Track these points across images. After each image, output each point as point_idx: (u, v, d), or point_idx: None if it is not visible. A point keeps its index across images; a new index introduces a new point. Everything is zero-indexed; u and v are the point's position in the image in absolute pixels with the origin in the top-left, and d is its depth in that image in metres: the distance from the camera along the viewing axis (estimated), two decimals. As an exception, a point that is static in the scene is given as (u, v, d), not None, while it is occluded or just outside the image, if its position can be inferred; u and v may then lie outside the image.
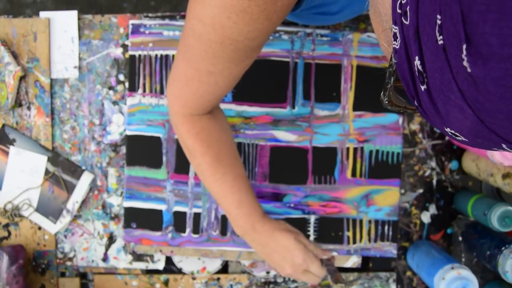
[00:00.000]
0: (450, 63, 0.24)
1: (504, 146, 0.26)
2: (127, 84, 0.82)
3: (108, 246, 0.84)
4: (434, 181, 0.83)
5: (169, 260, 0.85)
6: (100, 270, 0.85)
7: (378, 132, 0.81)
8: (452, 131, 0.28)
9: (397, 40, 0.28)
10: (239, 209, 0.62)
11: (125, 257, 0.84)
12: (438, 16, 0.24)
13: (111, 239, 0.84)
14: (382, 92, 0.33)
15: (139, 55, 0.81)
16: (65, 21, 0.82)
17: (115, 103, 0.83)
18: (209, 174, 0.61)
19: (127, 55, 0.82)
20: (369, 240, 0.82)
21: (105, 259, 0.84)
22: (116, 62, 0.82)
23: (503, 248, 0.70)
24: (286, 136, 0.81)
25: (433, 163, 0.83)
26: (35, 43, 0.81)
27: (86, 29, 0.82)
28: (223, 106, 0.81)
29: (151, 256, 0.84)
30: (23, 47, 0.81)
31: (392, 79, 0.32)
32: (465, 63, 0.23)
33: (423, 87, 0.27)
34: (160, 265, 0.85)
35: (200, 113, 0.60)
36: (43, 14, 0.81)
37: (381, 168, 0.82)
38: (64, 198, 0.82)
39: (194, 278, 0.84)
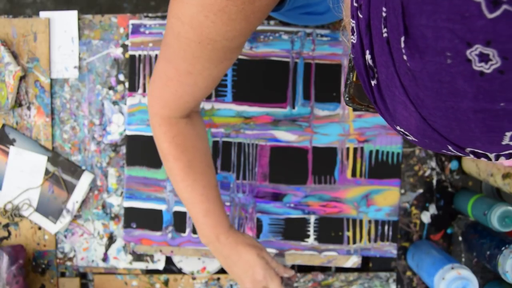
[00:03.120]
0: (393, 56, 0.24)
1: (450, 148, 0.26)
2: (127, 84, 0.82)
3: (108, 246, 0.84)
4: (434, 181, 0.83)
5: (169, 260, 0.85)
6: (100, 270, 0.85)
7: (378, 132, 0.81)
8: (402, 130, 0.27)
9: (354, 34, 0.27)
10: (205, 218, 0.62)
11: (125, 257, 0.84)
12: (384, 9, 0.23)
13: (111, 239, 0.84)
14: (344, 89, 0.33)
15: (139, 55, 0.81)
16: (65, 21, 0.82)
17: (115, 103, 0.83)
18: (180, 180, 0.61)
19: (127, 55, 0.82)
20: (369, 240, 0.82)
21: (105, 259, 0.84)
22: (116, 62, 0.82)
23: (503, 248, 0.70)
24: (286, 136, 0.81)
25: (433, 163, 0.83)
26: (35, 43, 0.81)
27: (86, 29, 0.82)
28: (223, 106, 0.81)
29: (151, 256, 0.84)
30: (23, 47, 0.81)
31: (351, 75, 0.32)
32: (404, 57, 0.23)
33: (373, 82, 0.27)
34: (160, 265, 0.85)
35: (179, 115, 0.60)
36: (43, 14, 0.81)
37: (381, 168, 0.82)
38: (64, 198, 0.82)
39: (194, 278, 0.84)
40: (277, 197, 0.82)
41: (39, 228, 0.83)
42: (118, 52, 0.82)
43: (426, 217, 0.83)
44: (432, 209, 0.83)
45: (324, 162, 0.82)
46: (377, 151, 0.81)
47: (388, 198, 0.82)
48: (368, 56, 0.26)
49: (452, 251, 0.83)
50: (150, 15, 0.81)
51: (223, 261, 0.63)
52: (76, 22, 0.82)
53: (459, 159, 0.83)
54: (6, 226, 0.84)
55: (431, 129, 0.25)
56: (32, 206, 0.82)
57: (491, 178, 0.73)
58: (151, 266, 0.84)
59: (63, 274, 0.85)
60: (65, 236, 0.84)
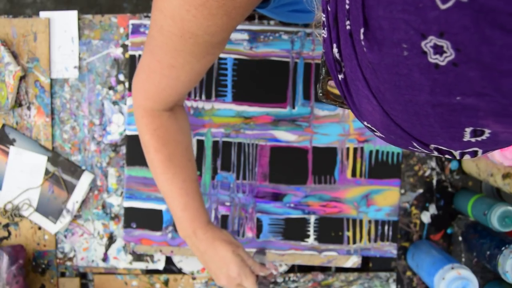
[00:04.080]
0: (356, 49, 0.24)
1: (415, 144, 0.25)
2: (127, 84, 0.82)
3: (108, 246, 0.84)
4: (434, 181, 0.83)
5: (169, 260, 0.85)
6: (100, 270, 0.85)
7: (378, 132, 0.81)
8: (369, 125, 0.27)
9: (325, 28, 0.27)
10: (183, 212, 0.62)
11: (125, 257, 0.84)
12: (347, 1, 0.23)
13: (111, 239, 0.84)
14: (317, 84, 0.32)
15: (139, 55, 0.81)
16: (65, 21, 0.82)
17: (115, 103, 0.83)
18: (160, 172, 0.61)
19: (127, 55, 0.82)
20: (369, 240, 0.82)
21: (105, 259, 0.84)
22: (116, 62, 0.82)
23: (503, 248, 0.70)
24: (286, 136, 0.81)
25: (433, 163, 0.83)
26: (35, 43, 0.81)
27: (86, 29, 0.82)
28: (223, 106, 0.81)
29: (151, 256, 0.84)
30: (23, 47, 0.81)
31: (323, 70, 0.31)
32: (364, 49, 0.23)
33: (340, 77, 0.26)
34: (160, 265, 0.85)
35: (162, 108, 0.60)
36: (43, 14, 0.81)
37: (381, 168, 0.82)
38: (64, 198, 0.82)
39: (194, 278, 0.84)
40: (277, 197, 0.82)
41: (39, 228, 0.83)
42: (118, 52, 0.82)
43: (426, 217, 0.83)
44: (432, 209, 0.83)
45: (324, 162, 0.82)
46: (377, 151, 0.81)
47: (388, 198, 0.82)
48: (335, 50, 0.26)
49: (452, 251, 0.83)
50: (150, 15, 0.81)
51: (200, 256, 0.63)
52: (76, 22, 0.82)
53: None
54: (6, 226, 0.84)
55: (394, 124, 0.25)
56: (32, 206, 0.82)
57: (491, 178, 0.73)
58: (151, 266, 0.84)
59: (63, 274, 0.85)
60: (65, 236, 0.84)
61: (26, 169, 0.82)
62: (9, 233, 0.84)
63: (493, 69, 0.19)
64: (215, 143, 0.82)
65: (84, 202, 0.83)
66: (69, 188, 0.82)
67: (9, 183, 0.82)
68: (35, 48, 0.81)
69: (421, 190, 0.83)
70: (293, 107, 0.81)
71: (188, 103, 0.81)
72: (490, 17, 0.18)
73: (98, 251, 0.84)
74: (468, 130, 0.22)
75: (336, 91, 0.31)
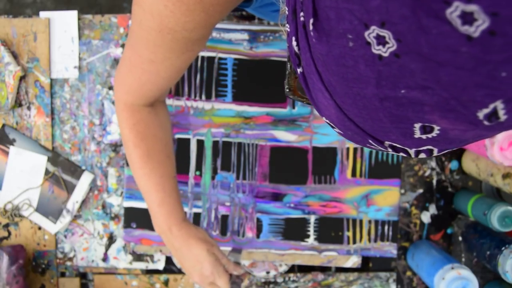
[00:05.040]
0: (309, 41, 0.23)
1: (371, 141, 0.25)
2: (127, 84, 0.82)
3: (108, 246, 0.84)
4: (434, 181, 0.83)
5: (169, 260, 0.85)
6: (100, 270, 0.85)
7: (378, 132, 0.81)
8: (328, 121, 0.27)
9: (288, 22, 0.27)
10: (159, 207, 0.62)
11: (125, 257, 0.84)
12: None
13: (111, 239, 0.84)
14: (284, 80, 0.32)
15: (139, 55, 0.81)
16: (65, 21, 0.82)
17: (115, 103, 0.83)
18: (138, 167, 0.61)
19: (127, 55, 0.82)
20: (369, 240, 0.82)
21: (105, 259, 0.84)
22: (116, 62, 0.82)
23: (503, 248, 0.70)
24: (286, 136, 0.81)
25: (433, 163, 0.83)
26: (35, 43, 0.81)
27: (86, 29, 0.82)
28: (223, 106, 0.81)
29: (151, 256, 0.84)
30: (23, 47, 0.81)
31: (289, 65, 0.31)
32: (314, 40, 0.22)
33: (299, 70, 0.26)
34: (160, 265, 0.84)
35: (142, 103, 0.60)
36: (43, 14, 0.81)
37: (381, 168, 0.82)
38: (64, 198, 0.82)
39: (194, 278, 0.84)
40: (277, 197, 0.82)
41: (39, 228, 0.83)
42: (118, 52, 0.82)
43: (426, 217, 0.83)
44: (432, 209, 0.83)
45: (324, 162, 0.82)
46: (377, 151, 0.81)
47: (388, 198, 0.82)
48: (294, 43, 0.26)
49: (452, 251, 0.83)
50: (150, 15, 0.81)
51: (174, 252, 0.63)
52: (76, 22, 0.82)
53: (459, 159, 0.83)
54: (6, 226, 0.84)
55: (348, 119, 0.24)
56: (32, 206, 0.82)
57: (491, 178, 0.73)
58: (151, 266, 0.84)
59: (63, 274, 0.85)
60: (65, 236, 0.84)
61: (26, 169, 0.82)
62: (9, 233, 0.84)
63: (431, 60, 0.18)
64: (215, 143, 0.82)
65: (84, 202, 0.83)
66: (69, 188, 0.82)
67: (9, 183, 0.82)
68: (35, 48, 0.81)
69: (421, 190, 0.83)
70: (293, 107, 0.81)
71: (188, 103, 0.81)
72: (426, 6, 0.18)
73: (98, 251, 0.84)
74: (417, 126, 0.22)
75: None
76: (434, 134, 0.22)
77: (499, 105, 0.19)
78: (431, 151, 0.24)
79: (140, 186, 0.63)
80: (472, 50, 0.18)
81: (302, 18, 0.23)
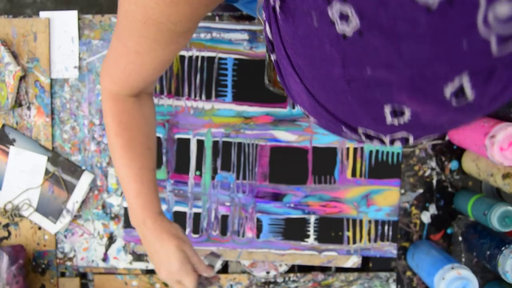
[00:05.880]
0: (278, 24, 0.23)
1: (344, 129, 0.24)
2: (127, 84, 0.82)
3: (108, 246, 0.84)
4: (434, 181, 0.83)
5: (169, 260, 0.85)
6: (100, 270, 0.85)
7: (378, 132, 0.81)
8: (302, 109, 0.26)
9: (264, 10, 0.27)
10: (136, 198, 0.61)
11: (125, 257, 0.84)
12: None
13: (111, 239, 0.84)
14: (264, 72, 0.32)
15: (139, 55, 0.81)
16: (65, 21, 0.82)
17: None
18: (118, 156, 0.61)
19: (127, 55, 0.82)
20: (369, 240, 0.82)
21: (105, 259, 0.84)
22: (116, 62, 0.82)
23: (503, 248, 0.70)
24: (286, 136, 0.81)
25: (433, 163, 0.83)
26: (35, 43, 0.81)
27: (86, 29, 0.82)
28: (223, 106, 0.81)
29: (151, 256, 0.84)
30: (23, 47, 0.81)
31: (267, 55, 0.31)
32: (280, 22, 0.22)
33: (273, 57, 0.26)
34: (160, 265, 0.84)
35: (127, 93, 0.60)
36: (43, 14, 0.81)
37: (381, 168, 0.82)
38: (64, 198, 0.82)
39: (194, 278, 0.84)
40: (277, 197, 0.82)
41: (39, 228, 0.83)
42: (118, 52, 0.82)
43: (426, 217, 0.83)
44: (432, 209, 0.83)
45: (324, 162, 0.82)
46: (377, 151, 0.81)
47: (388, 198, 0.82)
48: (267, 29, 0.25)
49: (452, 251, 0.83)
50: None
51: (146, 246, 0.62)
52: (76, 22, 0.82)
53: (459, 159, 0.83)
54: (6, 226, 0.84)
55: (319, 106, 0.24)
56: (32, 206, 0.82)
57: (491, 178, 0.73)
58: (151, 266, 0.84)
59: (63, 274, 0.85)
60: (65, 236, 0.84)
61: (26, 169, 0.82)
62: (9, 233, 0.84)
63: (392, 34, 0.18)
64: (215, 143, 0.82)
65: (84, 202, 0.83)
66: (69, 188, 0.82)
67: (9, 183, 0.82)
68: (35, 48, 0.81)
69: (421, 190, 0.83)
70: (293, 107, 0.81)
71: (188, 103, 0.81)
72: None
73: (98, 251, 0.84)
74: (388, 109, 0.21)
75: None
76: (405, 119, 0.22)
77: (464, 79, 0.19)
78: (406, 139, 0.24)
79: (119, 176, 0.62)
80: (432, 20, 0.17)
81: (272, 2, 0.23)
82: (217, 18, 0.83)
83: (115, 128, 0.60)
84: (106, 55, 0.57)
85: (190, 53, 0.81)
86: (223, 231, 0.82)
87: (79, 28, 0.82)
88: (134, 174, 0.61)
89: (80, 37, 0.82)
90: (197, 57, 0.80)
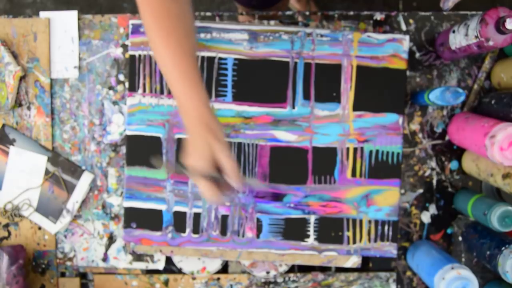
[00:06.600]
0: None
1: None
2: (127, 84, 0.82)
3: (108, 246, 0.84)
4: (434, 181, 0.83)
5: (169, 260, 0.85)
6: (100, 270, 0.85)
7: (378, 132, 0.81)
8: None
9: None
10: (183, 86, 0.60)
11: (125, 257, 0.84)
12: None
13: (111, 239, 0.84)
14: None
15: (139, 55, 0.81)
16: (65, 21, 0.82)
17: (115, 103, 0.83)
18: (163, 46, 0.60)
19: (127, 55, 0.82)
20: (369, 240, 0.82)
21: (105, 259, 0.84)
22: (116, 62, 0.82)
23: (503, 248, 0.70)
24: (286, 136, 0.81)
25: (433, 163, 0.83)
26: (35, 43, 0.81)
27: (86, 29, 0.82)
28: (223, 106, 0.81)
29: (151, 256, 0.84)
30: (23, 47, 0.81)
31: None
32: None
33: None
34: (160, 265, 0.85)
35: None
36: (43, 14, 0.81)
37: (381, 168, 0.81)
38: (64, 198, 0.82)
39: (194, 278, 0.84)
40: (277, 197, 0.82)
41: (39, 228, 0.83)
42: (118, 52, 0.82)
43: (426, 217, 0.83)
44: (432, 209, 0.83)
45: (324, 162, 0.82)
46: (377, 151, 0.81)
47: (388, 198, 0.82)
48: None
49: (452, 251, 0.83)
50: (150, 15, 0.81)
51: (186, 132, 0.62)
52: (76, 22, 0.82)
53: (459, 159, 0.83)
54: (6, 226, 0.84)
55: None
56: (32, 206, 0.82)
57: (491, 178, 0.73)
58: (151, 266, 0.84)
59: (63, 274, 0.85)
60: (65, 236, 0.84)
61: (26, 169, 0.82)
62: (9, 233, 0.84)
63: None
64: (215, 143, 0.81)
65: (84, 202, 0.83)
66: (69, 188, 0.82)
67: (9, 183, 0.82)
68: (35, 48, 0.81)
69: (421, 190, 0.83)
70: (293, 107, 0.81)
71: (188, 103, 0.81)
72: None
73: (98, 251, 0.84)
74: None
75: None
76: None
77: None
78: None
79: (164, 69, 0.61)
80: None
81: None
82: (217, 18, 0.83)
83: (154, 20, 0.59)
84: None
85: (190, 53, 0.81)
86: (223, 231, 0.82)
87: (79, 28, 0.82)
88: (179, 59, 0.60)
89: (80, 37, 0.82)
90: (197, 57, 0.80)
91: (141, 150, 0.81)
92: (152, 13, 0.60)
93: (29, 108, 0.82)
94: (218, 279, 0.84)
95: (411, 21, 0.83)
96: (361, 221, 0.82)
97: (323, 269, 0.85)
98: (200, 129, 0.60)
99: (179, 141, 0.82)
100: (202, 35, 0.81)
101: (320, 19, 0.83)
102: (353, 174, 0.82)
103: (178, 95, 0.61)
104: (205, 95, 0.61)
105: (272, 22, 0.82)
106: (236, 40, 0.80)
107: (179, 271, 0.85)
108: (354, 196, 0.82)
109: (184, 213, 0.82)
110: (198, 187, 0.59)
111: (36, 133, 0.82)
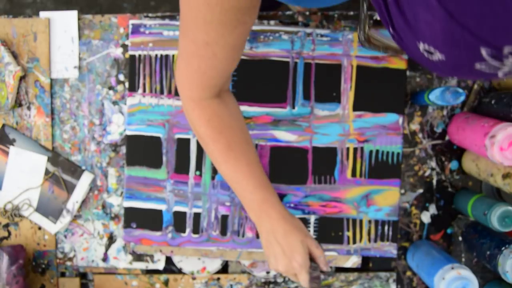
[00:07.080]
0: None
1: (484, 53, 0.22)
2: (127, 84, 0.82)
3: (108, 246, 0.84)
4: (434, 181, 0.83)
5: (169, 260, 0.85)
6: (100, 270, 0.85)
7: (378, 132, 0.81)
8: (426, 46, 0.24)
9: None
10: (253, 195, 0.61)
11: (125, 257, 0.84)
12: None
13: (111, 239, 0.84)
14: (358, 28, 0.31)
15: (139, 55, 0.81)
16: (65, 21, 0.82)
17: (115, 103, 0.83)
18: (222, 161, 0.60)
19: (127, 55, 0.82)
20: (369, 240, 0.82)
21: (105, 259, 0.84)
22: (116, 62, 0.82)
23: (503, 248, 0.70)
24: (286, 136, 0.81)
25: (433, 163, 0.83)
26: (35, 43, 0.81)
27: (86, 29, 0.82)
28: (223, 106, 0.81)
29: (151, 256, 0.84)
30: (23, 47, 0.81)
31: (365, 7, 0.30)
32: None
33: None
34: (160, 265, 0.85)
35: (209, 95, 0.59)
36: (43, 14, 0.81)
37: (381, 168, 0.81)
38: (64, 198, 0.82)
39: (194, 278, 0.84)
40: (277, 197, 0.82)
41: (39, 228, 0.83)
42: (118, 52, 0.82)
43: (426, 217, 0.83)
44: (432, 209, 0.83)
45: (324, 162, 0.82)
46: (377, 151, 0.81)
47: (388, 198, 0.82)
48: None
49: (452, 251, 0.83)
50: (150, 15, 0.81)
51: (265, 235, 0.61)
52: (76, 22, 0.82)
53: (459, 159, 0.83)
54: (6, 226, 0.84)
55: (460, 28, 0.21)
56: (32, 206, 0.82)
57: (491, 178, 0.73)
58: (151, 266, 0.84)
59: (63, 274, 0.85)
60: (65, 236, 0.84)
61: (26, 169, 0.82)
62: (9, 233, 0.84)
63: None
64: (215, 143, 0.82)
65: (84, 202, 0.83)
66: (69, 188, 0.82)
67: (9, 183, 0.82)
68: (35, 48, 0.81)
69: (421, 190, 0.83)
70: (293, 107, 0.81)
71: (188, 103, 0.81)
72: None
73: (98, 251, 0.84)
74: None
75: (377, 37, 0.30)
76: None
77: None
78: None
79: (228, 179, 0.62)
80: None
81: None
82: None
83: (210, 134, 0.60)
84: (177, 65, 0.57)
85: (190, 53, 0.81)
86: (223, 231, 0.82)
87: (79, 28, 0.82)
88: (244, 172, 0.61)
89: (80, 37, 0.82)
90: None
91: (141, 150, 0.81)
92: (207, 127, 0.60)
93: (29, 108, 0.82)
94: (218, 279, 0.84)
95: (411, 21, 0.82)
96: (361, 221, 0.82)
97: (323, 269, 0.85)
98: (291, 231, 0.60)
99: (179, 141, 0.82)
100: (202, 35, 0.81)
101: (320, 19, 0.83)
102: (353, 174, 0.82)
103: (247, 203, 0.62)
104: (273, 194, 0.62)
105: (272, 22, 0.82)
106: (236, 40, 0.80)
107: (179, 271, 0.85)
108: (354, 196, 0.82)
109: (184, 213, 0.82)
110: (299, 280, 0.60)
111: (36, 133, 0.82)
